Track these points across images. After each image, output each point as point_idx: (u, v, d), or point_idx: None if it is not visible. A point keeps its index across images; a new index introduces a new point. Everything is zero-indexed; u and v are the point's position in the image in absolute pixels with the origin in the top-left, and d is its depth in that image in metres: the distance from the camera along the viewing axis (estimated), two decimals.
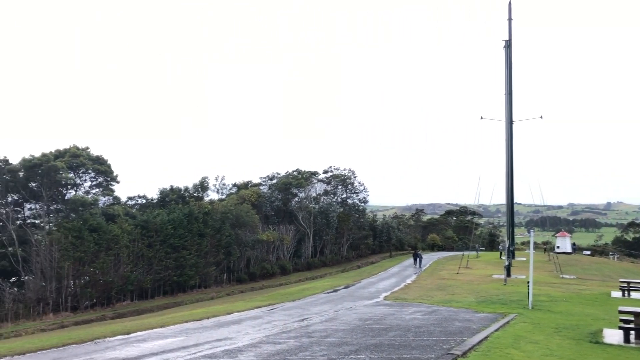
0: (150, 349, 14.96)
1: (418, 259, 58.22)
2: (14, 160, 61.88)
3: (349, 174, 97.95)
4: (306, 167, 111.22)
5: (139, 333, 18.62)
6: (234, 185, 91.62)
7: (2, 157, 61.57)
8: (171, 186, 77.41)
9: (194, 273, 63.75)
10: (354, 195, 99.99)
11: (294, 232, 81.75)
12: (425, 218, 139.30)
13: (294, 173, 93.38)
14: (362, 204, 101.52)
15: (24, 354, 15.16)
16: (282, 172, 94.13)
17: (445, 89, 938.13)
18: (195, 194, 78.06)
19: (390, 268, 59.48)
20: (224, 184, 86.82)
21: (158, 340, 16.70)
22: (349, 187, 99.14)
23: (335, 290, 35.85)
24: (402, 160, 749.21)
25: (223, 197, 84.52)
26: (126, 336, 17.96)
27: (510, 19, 44.34)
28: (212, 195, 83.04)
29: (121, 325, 24.23)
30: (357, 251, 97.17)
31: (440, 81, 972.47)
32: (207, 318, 22.50)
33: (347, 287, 38.68)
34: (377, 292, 32.64)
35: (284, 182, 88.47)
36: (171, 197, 74.95)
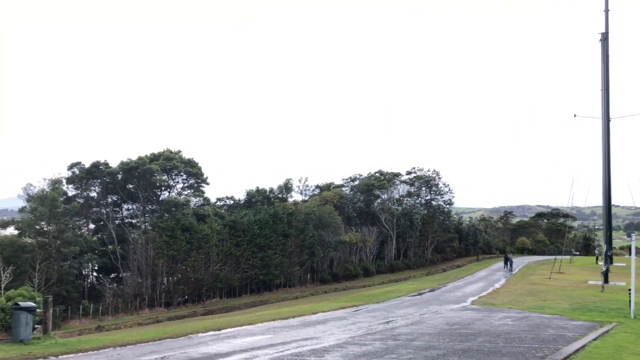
0: (240, 345, 15.45)
1: (508, 263, 56.50)
2: (113, 163, 65.98)
3: (433, 175, 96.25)
4: (388, 168, 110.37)
5: (229, 330, 19.29)
6: (317, 186, 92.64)
7: (102, 161, 65.96)
8: (257, 187, 79.57)
9: (279, 272, 65.15)
10: (439, 197, 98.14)
11: (376, 233, 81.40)
12: (514, 221, 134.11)
13: (376, 174, 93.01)
14: (447, 206, 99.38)
15: (125, 345, 16.14)
16: (364, 174, 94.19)
17: (536, 86, 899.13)
18: (279, 195, 79.71)
19: (477, 272, 57.79)
20: (307, 186, 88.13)
21: (247, 337, 17.21)
22: (433, 189, 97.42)
23: (420, 294, 35.34)
24: (489, 160, 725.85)
25: (306, 198, 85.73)
26: (217, 332, 18.66)
27: (607, 10, 41.71)
28: (295, 197, 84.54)
29: (212, 321, 25.20)
30: (442, 254, 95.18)
31: (531, 78, 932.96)
32: (293, 317, 22.89)
33: (432, 290, 38.02)
34: (464, 297, 31.82)
35: (366, 184, 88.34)
36: (257, 198, 76.98)
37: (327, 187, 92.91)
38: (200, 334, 18.28)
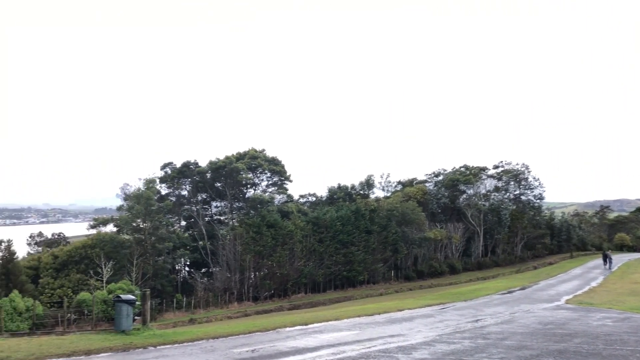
0: (327, 340, 15.61)
1: (608, 260, 53.34)
2: (202, 163, 68.83)
3: (522, 169, 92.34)
4: (474, 163, 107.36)
5: (315, 325, 19.54)
6: (399, 182, 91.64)
7: (192, 161, 68.96)
8: (338, 184, 79.93)
9: (363, 269, 65.19)
10: (528, 192, 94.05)
11: (462, 230, 79.40)
12: (611, 216, 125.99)
13: (461, 169, 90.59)
14: (538, 201, 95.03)
15: (217, 338, 16.79)
16: (449, 168, 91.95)
17: (631, 75, 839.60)
18: (361, 192, 79.63)
19: (571, 270, 54.93)
20: (389, 182, 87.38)
21: (333, 332, 17.36)
22: (522, 183, 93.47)
23: (510, 292, 34.10)
24: (582, 153, 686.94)
25: (388, 194, 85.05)
26: (304, 327, 18.96)
27: None
28: (377, 193, 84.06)
29: (299, 316, 25.64)
30: (533, 251, 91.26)
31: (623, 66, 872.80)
32: (379, 314, 22.82)
33: (523, 288, 36.57)
34: (558, 295, 30.33)
35: (451, 179, 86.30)
36: (339, 195, 77.35)
37: (410, 182, 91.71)
38: (288, 328, 18.66)
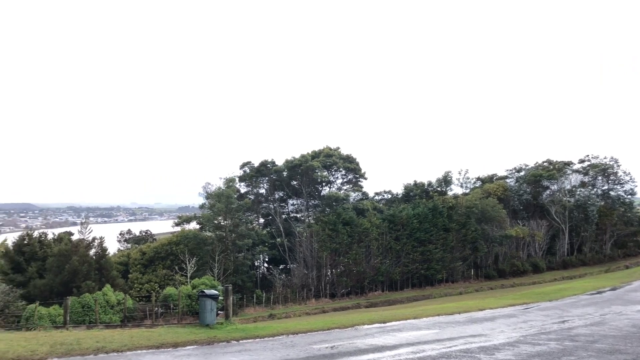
0: (406, 339, 15.47)
1: None
2: (279, 161, 70.28)
3: (611, 163, 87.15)
4: (558, 157, 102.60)
5: (394, 323, 19.42)
6: (478, 178, 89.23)
7: (269, 160, 70.56)
8: (415, 181, 79.03)
9: (441, 267, 64.08)
10: (618, 187, 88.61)
11: (546, 227, 76.12)
12: None
13: (544, 164, 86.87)
14: (629, 197, 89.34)
15: (296, 333, 17.07)
16: (531, 164, 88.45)
17: None
18: (438, 189, 78.29)
19: None
20: (468, 178, 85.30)
21: (412, 331, 17.18)
22: (611, 178, 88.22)
23: (599, 292, 32.32)
24: None
25: (467, 191, 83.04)
26: (382, 325, 18.89)
27: None
28: (455, 190, 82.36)
29: (376, 314, 25.59)
30: (624, 249, 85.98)
31: None
32: (459, 313, 22.35)
33: (613, 289, 34.54)
34: None
35: (533, 174, 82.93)
36: (415, 192, 76.46)
37: (490, 179, 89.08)
38: (366, 326, 18.65)
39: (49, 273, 40.93)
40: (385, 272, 61.10)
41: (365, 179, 74.18)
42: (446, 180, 79.90)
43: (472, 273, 68.82)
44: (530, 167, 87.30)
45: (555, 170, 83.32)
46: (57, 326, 25.35)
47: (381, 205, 76.40)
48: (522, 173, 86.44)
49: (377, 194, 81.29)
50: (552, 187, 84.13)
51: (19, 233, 52.08)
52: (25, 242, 44.91)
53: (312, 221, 67.29)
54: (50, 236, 48.22)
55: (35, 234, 47.79)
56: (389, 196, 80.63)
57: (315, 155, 70.93)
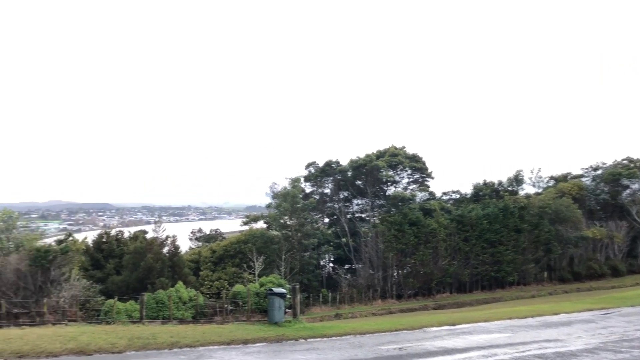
0: (476, 342, 15.08)
1: None
2: (344, 161, 70.47)
3: None
4: (639, 155, 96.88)
5: (463, 325, 18.97)
6: (551, 177, 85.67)
7: (334, 160, 70.88)
8: (484, 181, 76.99)
9: (512, 269, 62.12)
10: None
11: (626, 229, 72.05)
12: None
13: (624, 162, 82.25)
14: None
15: (364, 334, 17.01)
16: (608, 162, 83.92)
17: None
18: (509, 188, 75.95)
19: None
20: (540, 177, 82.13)
21: (483, 334, 16.73)
22: None
23: None
24: None
25: (539, 190, 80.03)
26: (452, 327, 18.50)
27: None
28: (527, 189, 79.49)
29: (445, 316, 25.11)
30: None
31: None
32: (532, 317, 21.54)
33: None
34: None
35: (611, 173, 78.69)
36: (485, 192, 74.53)
37: (564, 177, 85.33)
38: (434, 328, 18.34)
39: (125, 270, 42.90)
40: (454, 273, 59.91)
41: (432, 178, 73.08)
42: (517, 180, 77.34)
43: (545, 276, 66.23)
44: (608, 165, 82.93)
45: (636, 168, 78.72)
46: (134, 321, 26.54)
47: (449, 205, 74.87)
48: (599, 172, 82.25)
49: (444, 193, 79.77)
50: (633, 187, 79.51)
51: (98, 231, 54.95)
52: (104, 240, 47.31)
53: (377, 221, 66.93)
54: (126, 234, 50.57)
55: (113, 232, 50.24)
56: (457, 196, 78.92)
57: (380, 154, 70.52)
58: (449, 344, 14.66)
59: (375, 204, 72.43)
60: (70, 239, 46.01)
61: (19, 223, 51.41)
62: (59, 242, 42.35)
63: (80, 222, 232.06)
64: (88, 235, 55.40)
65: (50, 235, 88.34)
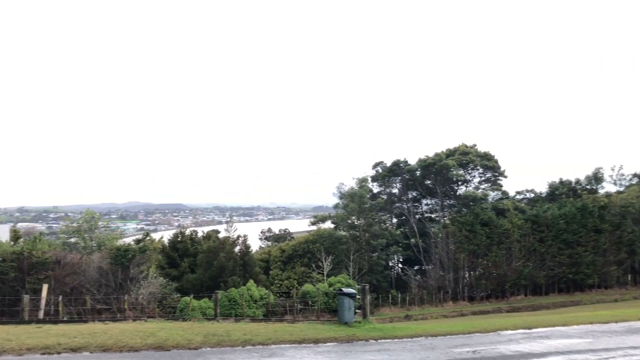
0: (554, 347, 14.50)
1: None
2: (412, 161, 69.57)
3: None
4: None
5: (540, 329, 18.29)
6: (635, 175, 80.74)
7: (402, 159, 70.10)
8: (560, 179, 73.72)
9: (592, 271, 59.15)
10: None
11: None
12: None
13: None
14: None
15: (435, 336, 16.76)
16: None
17: None
18: (587, 187, 72.32)
19: None
20: (622, 175, 77.48)
21: (561, 339, 16.06)
22: None
23: None
24: None
25: (621, 189, 75.63)
26: (528, 331, 17.88)
27: None
28: (608, 188, 75.29)
29: (521, 319, 24.30)
30: None
31: None
32: (615, 322, 20.44)
33: None
34: None
35: None
36: (561, 191, 71.40)
37: None
38: (509, 331, 17.79)
39: (199, 268, 44.32)
40: (528, 275, 57.75)
41: (505, 177, 70.77)
42: (597, 178, 73.52)
43: (630, 279, 62.58)
44: None
45: None
46: (208, 318, 27.35)
47: (523, 204, 72.20)
48: None
49: (518, 193, 77.00)
50: None
51: (173, 231, 57.13)
52: (179, 239, 49.11)
53: (447, 221, 65.58)
54: (199, 234, 52.27)
55: (187, 231, 52.02)
56: (532, 195, 75.97)
57: (450, 153, 69.05)
58: (525, 348, 14.16)
59: (445, 204, 71.03)
60: (148, 238, 48.07)
61: (100, 223, 54.39)
62: (137, 241, 44.28)
63: (157, 222, 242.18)
64: (164, 235, 57.72)
65: (129, 234, 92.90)
